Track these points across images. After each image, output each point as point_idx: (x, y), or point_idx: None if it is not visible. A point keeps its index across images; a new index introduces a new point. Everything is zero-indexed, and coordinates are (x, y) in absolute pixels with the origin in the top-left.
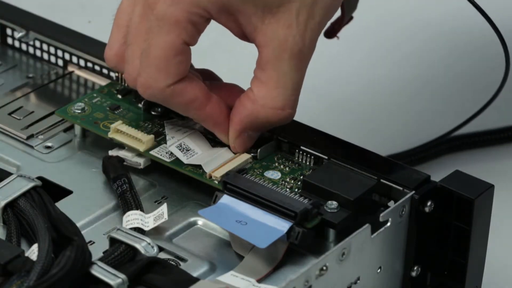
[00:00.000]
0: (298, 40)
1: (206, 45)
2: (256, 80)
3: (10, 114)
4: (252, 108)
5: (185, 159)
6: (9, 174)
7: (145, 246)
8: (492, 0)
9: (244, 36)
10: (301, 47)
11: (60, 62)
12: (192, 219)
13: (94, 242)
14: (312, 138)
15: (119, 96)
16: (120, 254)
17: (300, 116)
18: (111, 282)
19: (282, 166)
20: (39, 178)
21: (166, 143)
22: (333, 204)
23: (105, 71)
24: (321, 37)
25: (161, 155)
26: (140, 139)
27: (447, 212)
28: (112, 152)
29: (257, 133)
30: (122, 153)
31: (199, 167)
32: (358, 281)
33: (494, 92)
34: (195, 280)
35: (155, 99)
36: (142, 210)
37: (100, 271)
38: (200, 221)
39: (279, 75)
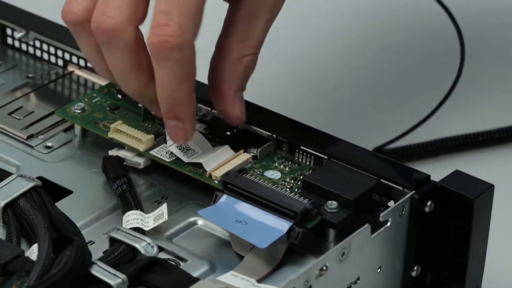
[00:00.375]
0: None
1: (206, 45)
2: (227, 37)
3: (10, 114)
4: (230, 67)
5: (185, 158)
6: (9, 174)
7: (145, 246)
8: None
9: None
10: (274, 5)
11: (60, 62)
12: (192, 219)
13: (94, 242)
14: (312, 138)
15: (119, 96)
16: (120, 254)
17: (300, 116)
18: (111, 282)
19: (282, 166)
20: (39, 178)
21: (166, 143)
22: (333, 204)
23: None
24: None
25: (161, 155)
26: (140, 139)
27: (447, 212)
28: (112, 152)
29: (243, 90)
30: (122, 153)
31: (199, 167)
32: (358, 281)
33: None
34: (195, 280)
35: (174, 53)
36: (142, 210)
37: (100, 271)
38: (200, 221)
39: (251, 25)
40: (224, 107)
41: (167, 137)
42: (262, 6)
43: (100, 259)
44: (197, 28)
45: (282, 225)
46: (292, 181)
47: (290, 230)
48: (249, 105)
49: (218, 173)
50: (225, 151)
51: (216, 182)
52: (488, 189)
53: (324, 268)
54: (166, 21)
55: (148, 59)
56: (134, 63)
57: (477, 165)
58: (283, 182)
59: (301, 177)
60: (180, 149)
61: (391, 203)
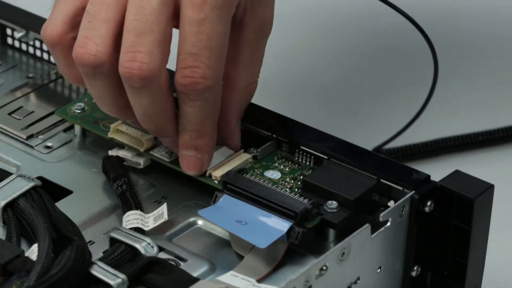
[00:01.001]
0: (271, 19)
1: None
2: (231, 65)
3: (10, 114)
4: (237, 95)
5: None
6: (9, 174)
7: (145, 246)
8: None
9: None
10: (271, 25)
11: None
12: (192, 219)
13: (94, 242)
14: (312, 138)
15: None
16: (120, 254)
17: (300, 116)
18: (111, 282)
19: (282, 166)
20: (39, 178)
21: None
22: (333, 204)
23: None
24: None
25: (161, 155)
26: (140, 139)
27: (447, 212)
28: (112, 152)
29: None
30: (122, 153)
31: None
32: (358, 281)
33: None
34: (195, 280)
35: (204, 93)
36: (142, 210)
37: (100, 271)
38: (200, 221)
39: (256, 53)
40: (225, 135)
41: None
42: (265, 28)
43: (100, 259)
44: (223, 65)
45: (282, 225)
46: (292, 181)
47: (290, 230)
48: (249, 105)
49: (218, 173)
50: (225, 150)
51: (216, 182)
52: (488, 189)
53: (324, 268)
54: (196, 63)
55: (173, 96)
56: (164, 103)
57: (477, 165)
58: (283, 182)
59: (301, 177)
60: None
61: (391, 203)
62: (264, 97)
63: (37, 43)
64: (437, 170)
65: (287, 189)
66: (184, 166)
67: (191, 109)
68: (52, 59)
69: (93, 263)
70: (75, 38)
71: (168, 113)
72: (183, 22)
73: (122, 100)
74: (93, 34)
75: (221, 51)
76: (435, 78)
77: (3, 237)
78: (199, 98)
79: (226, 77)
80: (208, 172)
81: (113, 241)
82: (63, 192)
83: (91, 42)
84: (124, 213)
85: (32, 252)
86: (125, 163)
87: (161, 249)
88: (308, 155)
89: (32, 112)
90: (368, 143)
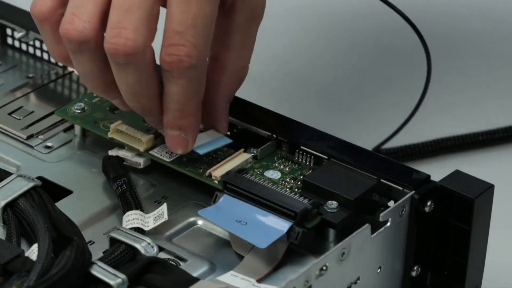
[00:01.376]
0: (263, 5)
1: None
2: (222, 48)
3: (10, 114)
4: (227, 79)
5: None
6: (9, 174)
7: (145, 246)
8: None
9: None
10: (262, 11)
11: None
12: (192, 219)
13: (94, 242)
14: (312, 138)
15: None
16: (120, 254)
17: (300, 116)
18: (111, 282)
19: (282, 166)
20: (39, 178)
21: (165, 143)
22: (333, 204)
23: None
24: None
25: (161, 155)
26: (140, 139)
27: (447, 212)
28: (112, 152)
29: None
30: (122, 153)
31: (199, 167)
32: (358, 281)
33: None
34: (195, 280)
35: (189, 72)
36: (142, 210)
37: (100, 271)
38: (200, 221)
39: (247, 38)
40: (213, 118)
41: None
42: (256, 14)
43: (100, 259)
44: (209, 45)
45: (282, 225)
46: (292, 181)
47: (290, 230)
48: (249, 105)
49: (218, 173)
50: (211, 133)
51: (216, 182)
52: (488, 189)
53: (324, 268)
54: (181, 41)
55: (158, 74)
56: (149, 80)
57: (477, 165)
58: (283, 182)
59: (301, 177)
60: None
61: (391, 203)
62: (264, 97)
63: (37, 43)
64: (437, 170)
65: (287, 189)
66: (169, 145)
67: (175, 88)
68: (52, 59)
69: (93, 263)
70: (63, 14)
71: (153, 91)
72: (171, 0)
73: (108, 78)
74: (80, 11)
75: (207, 31)
76: (428, 76)
77: (3, 237)
78: (183, 76)
79: (216, 61)
80: (208, 172)
81: (113, 241)
82: (63, 192)
83: (78, 19)
84: (124, 213)
85: (32, 252)
86: (125, 163)
87: (161, 249)
88: (308, 155)
89: (32, 112)
90: (368, 143)
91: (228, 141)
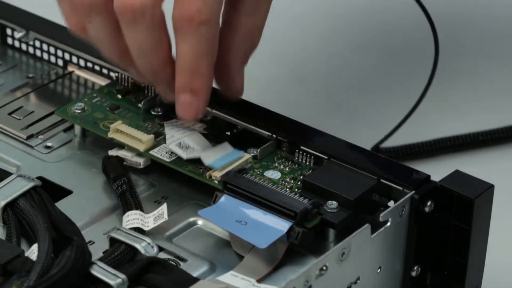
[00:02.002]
0: None
1: None
2: (236, 12)
3: (10, 114)
4: (239, 40)
5: (184, 155)
6: (9, 174)
7: (145, 246)
8: None
9: None
10: None
11: (60, 62)
12: (192, 219)
13: (94, 242)
14: (312, 138)
15: (119, 96)
16: (120, 254)
17: (300, 116)
18: (111, 282)
19: (282, 166)
20: (39, 178)
21: (165, 142)
22: (333, 204)
23: (105, 71)
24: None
25: (161, 155)
26: (140, 139)
27: (447, 212)
28: (112, 152)
29: (246, 64)
30: (122, 153)
31: (199, 166)
32: (358, 281)
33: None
34: (195, 280)
35: (200, 29)
36: (142, 210)
37: (100, 271)
38: (200, 221)
39: (263, 3)
40: (227, 79)
41: (167, 136)
42: None
43: (100, 259)
44: (221, 3)
45: (282, 225)
46: (292, 181)
47: (290, 230)
48: (249, 105)
49: (218, 173)
50: (225, 148)
51: (216, 182)
52: (488, 189)
53: (324, 268)
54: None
55: (168, 35)
56: (159, 39)
57: (477, 165)
58: (283, 182)
59: (301, 177)
60: (179, 147)
61: (391, 203)
62: (264, 97)
63: (37, 43)
64: (437, 170)
65: (287, 189)
66: (179, 110)
67: (187, 47)
68: (52, 59)
69: (93, 263)
70: None
71: (163, 51)
72: None
73: (122, 42)
74: None
75: None
76: (432, 75)
77: (3, 237)
78: (195, 34)
79: (228, 24)
80: (208, 173)
81: (113, 241)
82: (63, 192)
83: None
84: (124, 213)
85: (32, 252)
86: (125, 163)
87: (161, 249)
88: (308, 155)
89: (32, 112)
90: (368, 143)
91: (241, 153)
